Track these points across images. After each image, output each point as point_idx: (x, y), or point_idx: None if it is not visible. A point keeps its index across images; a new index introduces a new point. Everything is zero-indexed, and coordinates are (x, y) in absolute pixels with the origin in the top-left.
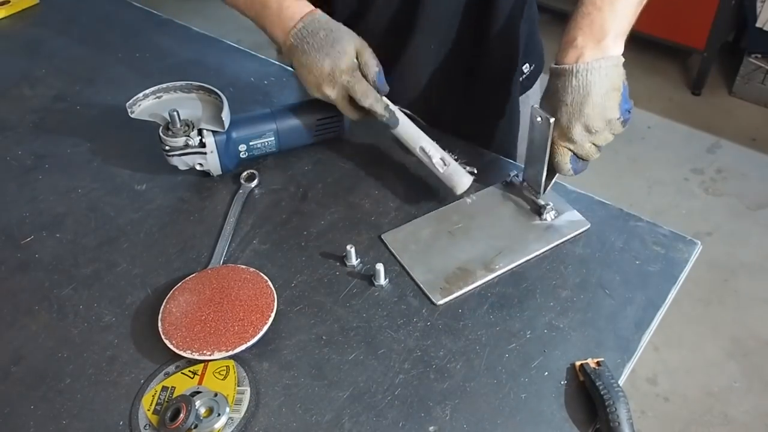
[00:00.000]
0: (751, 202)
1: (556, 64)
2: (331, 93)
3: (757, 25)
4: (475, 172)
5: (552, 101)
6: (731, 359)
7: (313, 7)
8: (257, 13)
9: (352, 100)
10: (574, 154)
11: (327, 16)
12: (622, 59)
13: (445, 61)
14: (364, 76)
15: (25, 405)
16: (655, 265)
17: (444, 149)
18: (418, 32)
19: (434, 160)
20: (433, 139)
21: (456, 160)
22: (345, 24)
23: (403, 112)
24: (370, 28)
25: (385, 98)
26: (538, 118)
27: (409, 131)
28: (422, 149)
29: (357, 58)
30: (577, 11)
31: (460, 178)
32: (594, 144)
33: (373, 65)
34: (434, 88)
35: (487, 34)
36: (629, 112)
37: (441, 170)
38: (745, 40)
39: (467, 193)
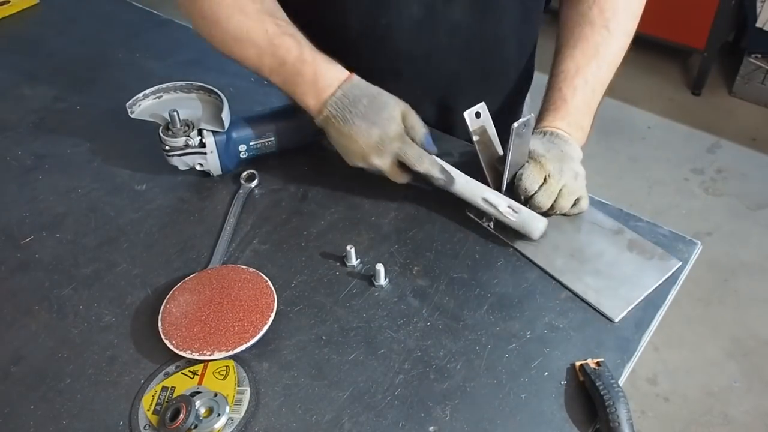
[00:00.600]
0: (751, 202)
1: (564, 131)
2: (380, 162)
3: (757, 25)
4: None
5: (546, 144)
6: (731, 359)
7: (349, 73)
8: (287, 79)
9: (400, 166)
10: (543, 185)
11: (365, 82)
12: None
13: (461, 64)
14: (412, 140)
15: (25, 405)
16: None
17: (503, 194)
18: (437, 37)
19: (502, 210)
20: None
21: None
22: (358, 29)
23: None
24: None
25: (437, 158)
26: (524, 127)
27: (468, 186)
28: (486, 200)
29: (403, 122)
30: (570, 96)
31: (535, 223)
32: (558, 196)
33: (420, 128)
34: (452, 92)
35: (496, 41)
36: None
37: (513, 218)
38: (745, 40)
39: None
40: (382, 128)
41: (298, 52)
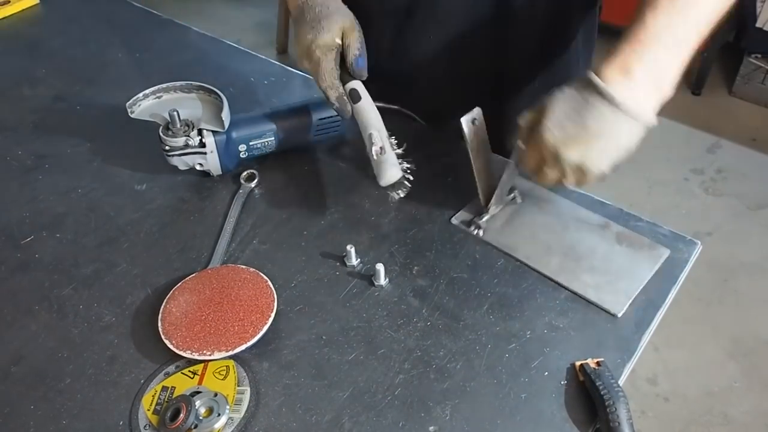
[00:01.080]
0: (751, 202)
1: (601, 79)
2: (308, 66)
3: (757, 25)
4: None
5: (571, 112)
6: (731, 359)
7: None
8: None
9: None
10: (540, 167)
11: None
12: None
13: (448, 60)
14: (344, 57)
15: (25, 405)
16: None
17: (399, 147)
18: (417, 22)
19: (373, 148)
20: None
21: (402, 156)
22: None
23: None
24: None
25: (359, 84)
26: (474, 121)
27: (363, 117)
28: (370, 136)
29: (342, 39)
30: (644, 35)
31: (389, 170)
32: (560, 176)
33: (354, 48)
34: (431, 84)
35: (503, 49)
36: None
37: (374, 156)
38: (745, 40)
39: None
40: (314, 35)
41: None
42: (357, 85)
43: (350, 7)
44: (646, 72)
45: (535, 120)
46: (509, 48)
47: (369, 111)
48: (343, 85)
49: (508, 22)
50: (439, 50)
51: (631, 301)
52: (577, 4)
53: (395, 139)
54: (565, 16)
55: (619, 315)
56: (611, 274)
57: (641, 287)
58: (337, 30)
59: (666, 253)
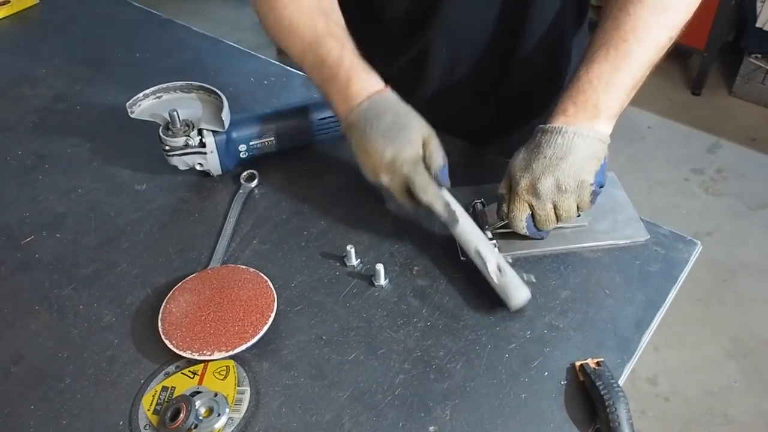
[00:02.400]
0: (751, 202)
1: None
2: (389, 182)
3: (757, 25)
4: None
5: (530, 153)
6: (731, 359)
7: (383, 86)
8: (323, 79)
9: (410, 192)
10: (533, 214)
11: (396, 97)
12: (609, 140)
13: (461, 71)
14: (427, 168)
15: (25, 405)
16: (655, 265)
17: (502, 254)
18: (432, 34)
19: (489, 267)
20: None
21: (511, 264)
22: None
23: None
24: (387, 17)
25: (447, 193)
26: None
27: (466, 232)
28: (477, 252)
29: (423, 148)
30: (572, 86)
31: (517, 291)
32: (555, 209)
33: (438, 158)
34: (447, 96)
35: (517, 59)
36: (601, 187)
37: (495, 280)
38: (745, 40)
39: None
40: (397, 149)
41: (338, 55)
42: (446, 195)
43: (362, 18)
44: (575, 104)
45: (507, 184)
46: (516, 65)
47: (468, 225)
48: None
49: (517, 36)
50: (450, 65)
51: (642, 223)
52: (570, 20)
53: (495, 243)
54: (561, 32)
55: (648, 236)
56: (608, 212)
57: (634, 209)
58: (419, 141)
59: (611, 174)
